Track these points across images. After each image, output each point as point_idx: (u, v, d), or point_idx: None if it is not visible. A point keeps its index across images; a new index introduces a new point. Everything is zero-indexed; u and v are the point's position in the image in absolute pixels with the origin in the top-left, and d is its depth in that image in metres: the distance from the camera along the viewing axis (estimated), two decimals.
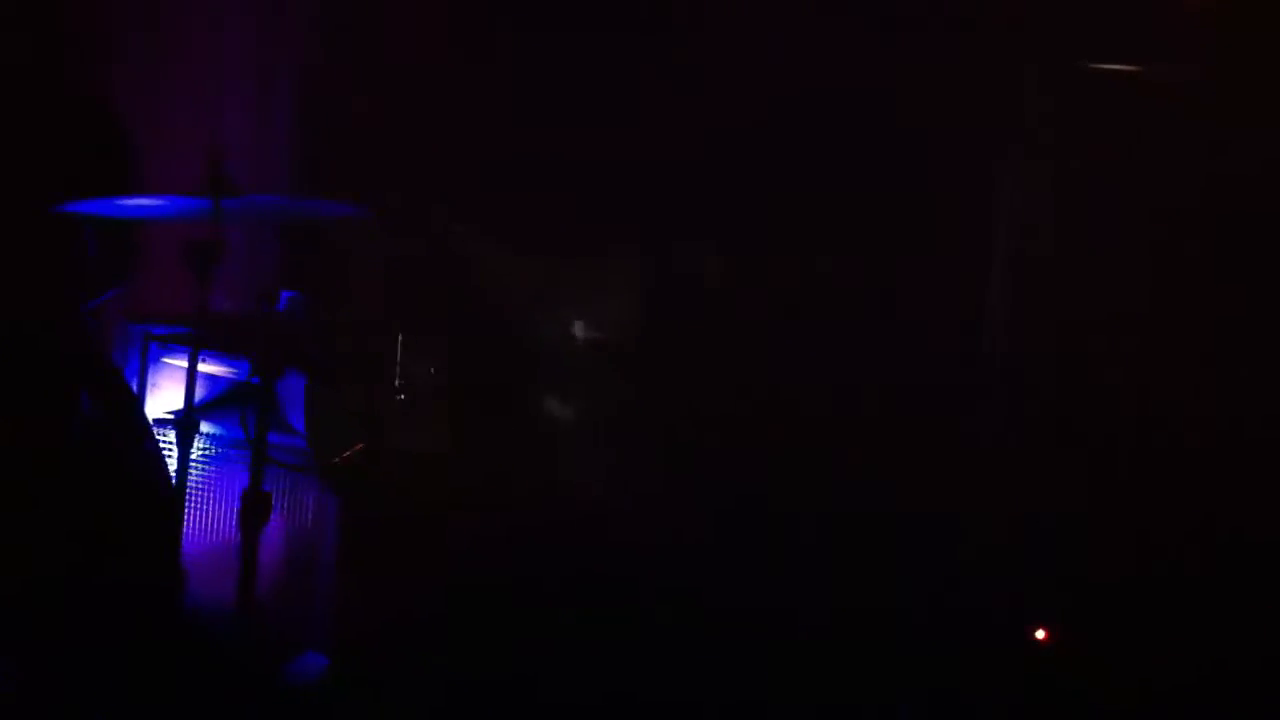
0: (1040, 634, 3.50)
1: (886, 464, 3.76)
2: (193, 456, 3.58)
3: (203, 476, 3.67)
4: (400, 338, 3.75)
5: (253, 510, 3.05)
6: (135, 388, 3.66)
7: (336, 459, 3.41)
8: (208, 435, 3.66)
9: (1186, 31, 3.54)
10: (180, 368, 3.74)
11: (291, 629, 3.63)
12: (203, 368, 3.66)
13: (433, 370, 3.75)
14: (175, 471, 2.97)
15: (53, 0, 3.16)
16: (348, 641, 3.60)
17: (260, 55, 4.40)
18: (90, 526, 2.83)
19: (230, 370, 3.63)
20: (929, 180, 3.87)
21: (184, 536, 3.11)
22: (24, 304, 3.00)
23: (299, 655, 3.62)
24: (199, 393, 3.76)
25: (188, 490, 3.09)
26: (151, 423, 3.43)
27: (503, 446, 3.80)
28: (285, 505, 3.61)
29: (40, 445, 2.80)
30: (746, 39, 3.97)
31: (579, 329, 3.78)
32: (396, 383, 3.67)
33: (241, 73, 4.40)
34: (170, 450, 3.49)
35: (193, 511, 3.62)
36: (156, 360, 3.75)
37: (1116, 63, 3.59)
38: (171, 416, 3.64)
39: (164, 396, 3.74)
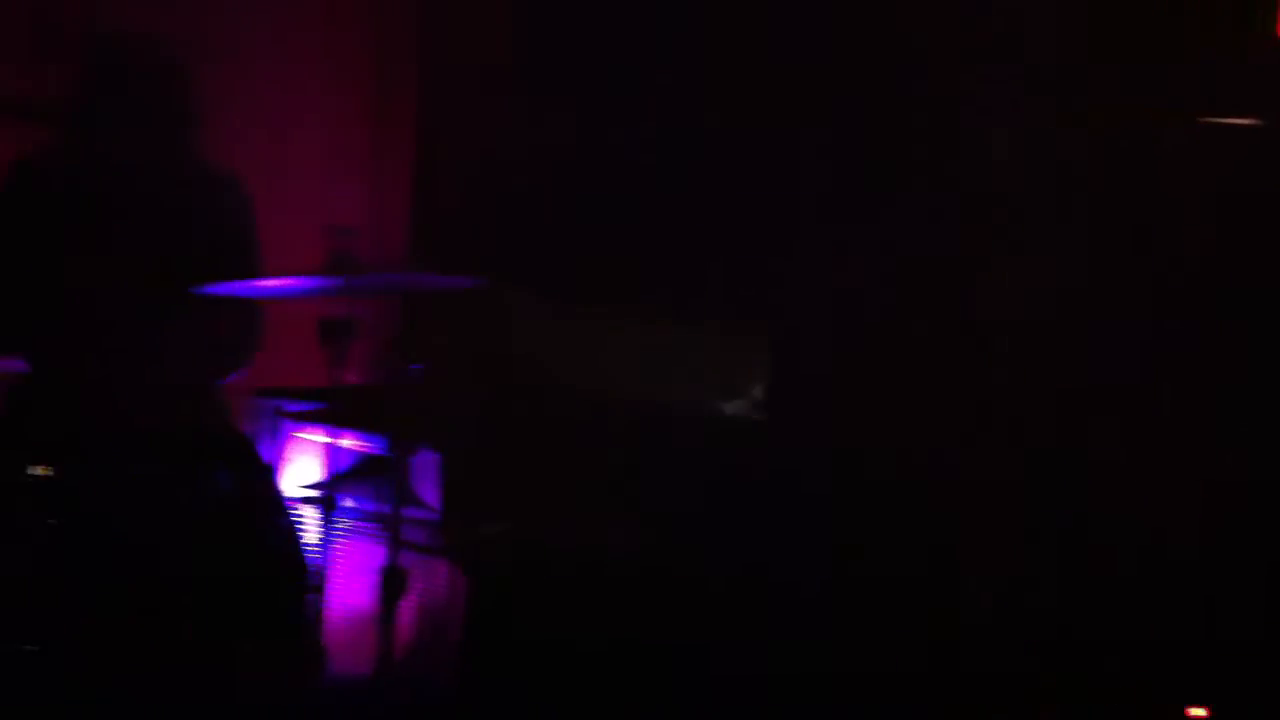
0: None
1: None
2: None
3: (333, 550, 3.70)
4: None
5: (390, 585, 3.07)
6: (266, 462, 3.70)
7: (473, 537, 3.41)
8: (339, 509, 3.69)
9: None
10: (310, 441, 3.79)
11: (423, 701, 3.64)
12: (336, 441, 3.71)
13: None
14: (317, 546, 2.99)
15: (176, 85, 3.23)
16: (480, 716, 3.58)
17: (374, 133, 4.48)
18: (229, 601, 2.86)
19: (363, 444, 3.66)
20: None
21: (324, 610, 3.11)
22: (165, 380, 3.05)
23: None
24: (331, 466, 3.83)
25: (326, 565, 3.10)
26: (286, 498, 3.46)
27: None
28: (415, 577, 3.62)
29: (181, 520, 2.84)
30: None
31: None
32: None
33: (356, 149, 4.49)
34: (306, 524, 3.54)
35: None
36: (287, 434, 3.79)
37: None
38: (308, 492, 3.68)
39: (295, 470, 3.78)
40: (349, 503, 3.67)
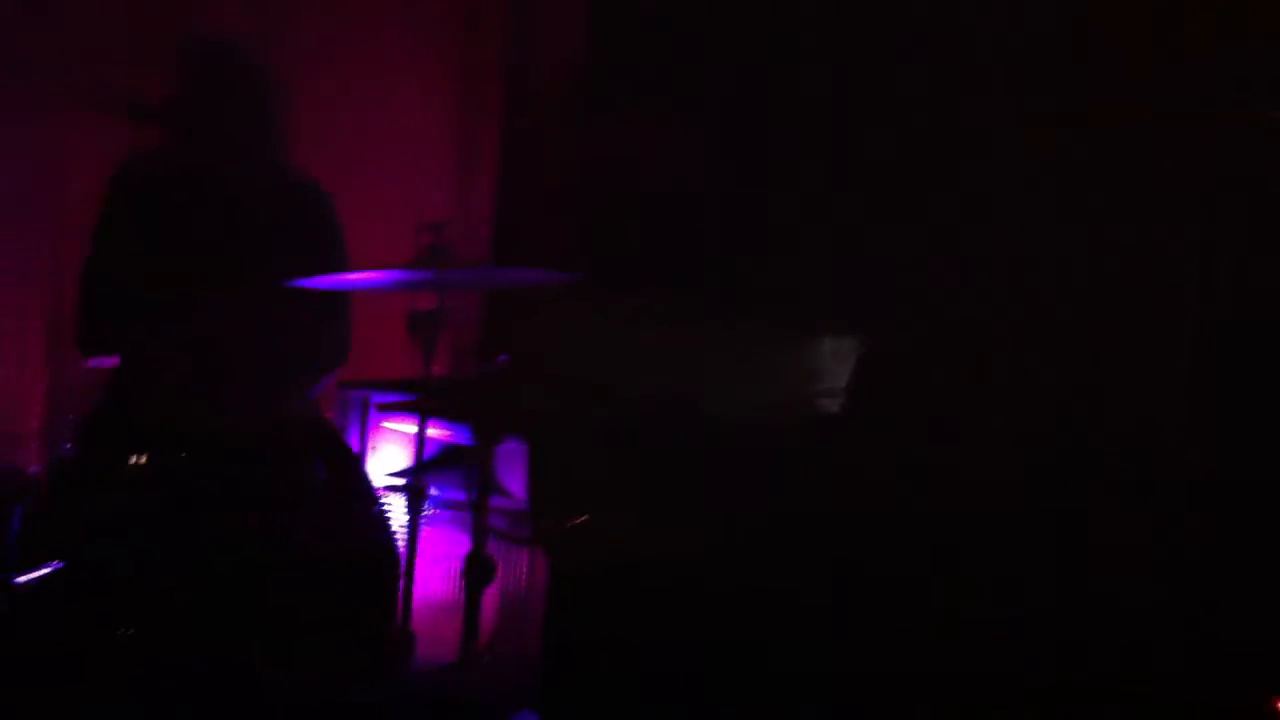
0: None
1: None
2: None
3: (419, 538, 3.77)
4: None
5: (476, 572, 3.13)
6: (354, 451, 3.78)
7: (558, 527, 3.46)
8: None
9: None
10: (398, 431, 3.87)
11: (505, 688, 3.69)
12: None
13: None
14: (406, 534, 3.06)
15: (274, 91, 3.32)
16: (559, 702, 3.64)
17: (460, 134, 4.55)
18: (322, 589, 2.94)
19: (448, 433, 3.72)
20: None
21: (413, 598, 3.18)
22: (262, 374, 3.14)
23: (514, 714, 3.67)
24: (414, 455, 3.90)
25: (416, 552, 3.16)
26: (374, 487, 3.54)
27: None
28: (499, 565, 3.68)
29: (277, 509, 2.92)
30: None
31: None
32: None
33: (443, 145, 4.56)
34: (394, 513, 3.62)
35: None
36: (374, 424, 3.87)
37: None
38: (395, 481, 3.75)
39: (381, 459, 3.85)
40: (434, 491, 3.75)
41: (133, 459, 2.75)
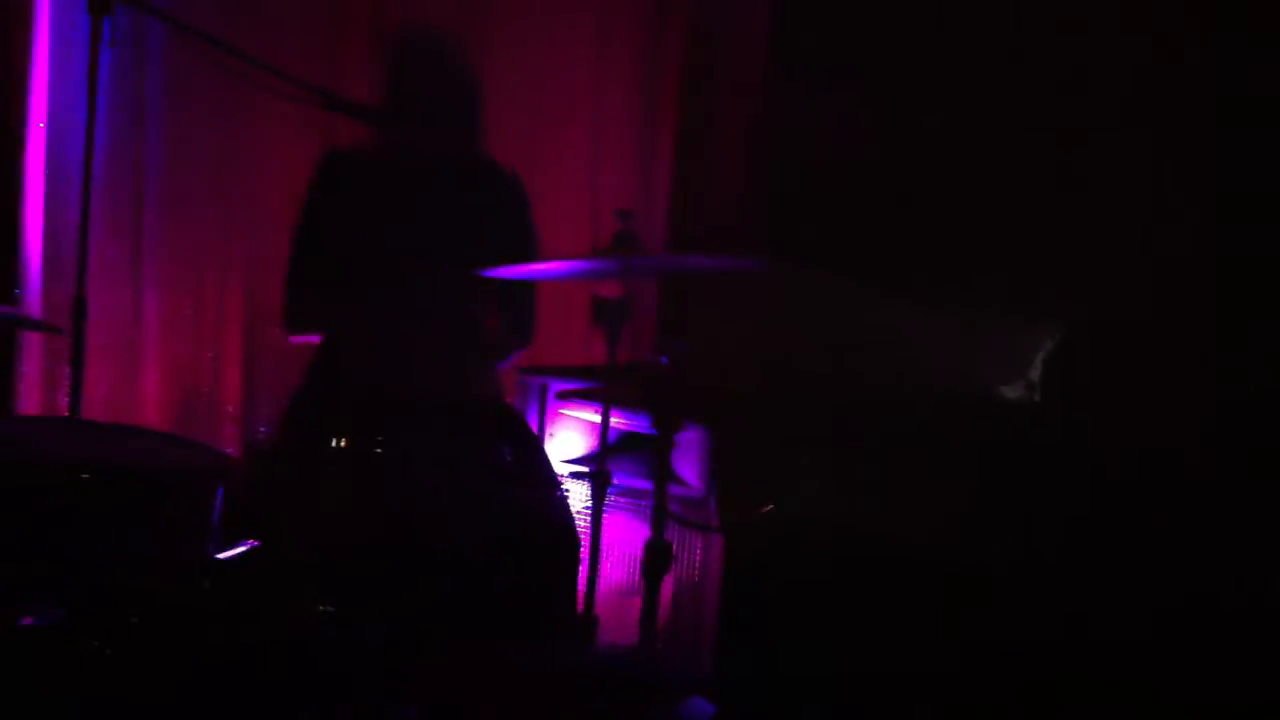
0: None
1: None
2: (587, 505, 3.75)
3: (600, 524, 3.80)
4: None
5: (656, 559, 3.15)
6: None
7: (743, 516, 3.47)
8: None
9: None
10: (574, 418, 3.91)
11: (679, 673, 3.72)
12: (597, 418, 3.82)
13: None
14: (590, 521, 3.10)
15: (471, 83, 3.37)
16: (734, 691, 3.65)
17: (640, 123, 4.57)
18: (511, 572, 2.99)
19: (624, 421, 3.76)
20: None
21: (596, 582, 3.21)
22: (457, 358, 3.21)
23: (686, 700, 3.69)
24: (592, 442, 3.94)
25: (600, 538, 3.20)
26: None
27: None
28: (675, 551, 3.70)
29: (470, 492, 2.97)
30: None
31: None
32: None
33: (622, 135, 4.59)
34: (574, 498, 3.67)
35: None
36: (552, 411, 3.92)
37: None
38: (572, 467, 3.80)
39: (558, 445, 3.90)
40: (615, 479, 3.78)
41: (333, 441, 2.82)
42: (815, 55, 4.12)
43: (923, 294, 3.58)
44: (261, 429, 4.13)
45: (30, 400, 3.83)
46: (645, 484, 3.72)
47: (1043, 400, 3.48)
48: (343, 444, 2.80)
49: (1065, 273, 3.56)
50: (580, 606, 3.19)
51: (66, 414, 3.30)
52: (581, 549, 3.24)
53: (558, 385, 3.85)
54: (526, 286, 3.40)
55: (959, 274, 3.64)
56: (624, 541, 3.81)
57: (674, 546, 3.23)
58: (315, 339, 3.35)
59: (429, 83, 3.25)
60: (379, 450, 2.80)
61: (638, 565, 3.31)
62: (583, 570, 3.22)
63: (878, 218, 3.83)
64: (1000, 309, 3.56)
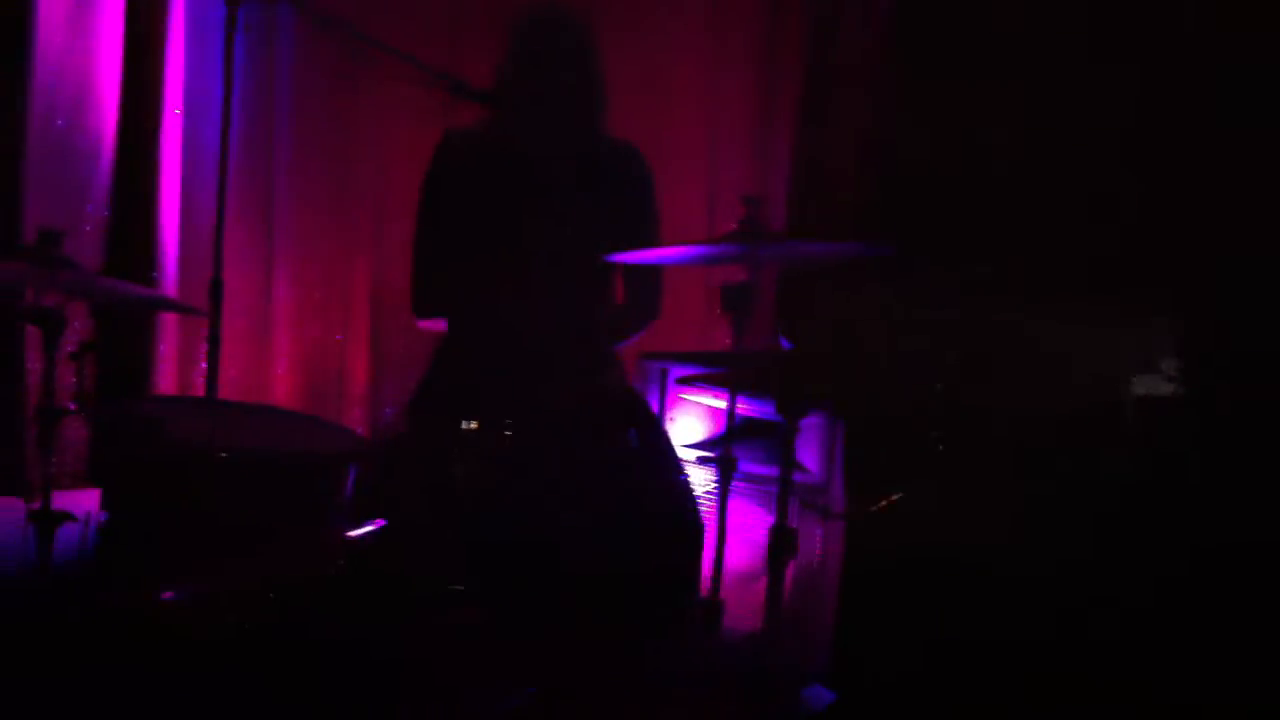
0: None
1: None
2: (707, 490, 3.76)
3: (711, 508, 3.82)
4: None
5: (780, 546, 3.15)
6: None
7: (868, 506, 3.45)
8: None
9: None
10: (697, 404, 3.92)
11: (794, 661, 3.72)
12: (718, 403, 3.83)
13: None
14: (716, 506, 3.10)
15: (592, 66, 3.38)
16: (854, 681, 3.63)
17: (759, 111, 4.56)
18: (637, 555, 3.01)
19: (746, 407, 3.75)
20: None
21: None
22: (583, 341, 3.23)
23: (806, 686, 3.69)
24: (712, 427, 3.95)
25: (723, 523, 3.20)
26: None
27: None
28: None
29: (599, 475, 3.00)
30: None
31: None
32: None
33: (739, 118, 4.58)
34: (697, 483, 3.68)
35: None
36: (672, 396, 3.93)
37: None
38: (694, 453, 3.81)
39: (679, 430, 3.92)
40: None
41: (463, 424, 2.86)
42: (940, 44, 4.06)
43: (1068, 302, 3.50)
44: (388, 410, 4.19)
45: (167, 380, 3.92)
46: (765, 469, 3.72)
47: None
48: (473, 426, 2.84)
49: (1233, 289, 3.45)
50: (705, 591, 3.19)
51: (203, 394, 3.37)
52: (705, 534, 3.25)
53: (677, 370, 3.86)
54: (652, 269, 3.41)
55: (1109, 285, 3.55)
56: (744, 526, 3.81)
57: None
58: (443, 325, 3.39)
59: (556, 60, 3.25)
60: (508, 433, 2.83)
61: (758, 551, 3.31)
62: (707, 555, 3.24)
63: (1007, 217, 3.76)
64: (1165, 325, 3.47)
